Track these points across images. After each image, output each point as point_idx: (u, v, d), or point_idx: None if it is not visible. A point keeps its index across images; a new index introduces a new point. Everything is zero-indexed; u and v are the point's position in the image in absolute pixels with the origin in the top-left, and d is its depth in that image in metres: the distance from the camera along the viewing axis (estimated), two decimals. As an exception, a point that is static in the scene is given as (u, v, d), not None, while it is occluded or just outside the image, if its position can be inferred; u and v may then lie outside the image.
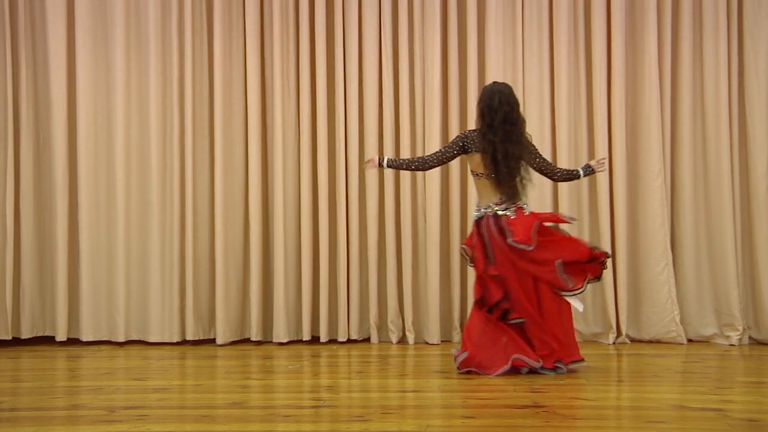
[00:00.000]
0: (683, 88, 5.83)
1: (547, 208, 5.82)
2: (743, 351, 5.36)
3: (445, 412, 3.22)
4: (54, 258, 5.94)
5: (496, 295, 4.23)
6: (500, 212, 4.35)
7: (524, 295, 4.22)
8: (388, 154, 5.91)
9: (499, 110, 4.34)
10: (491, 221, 4.33)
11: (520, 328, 4.24)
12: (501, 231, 4.29)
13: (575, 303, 4.28)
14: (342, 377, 4.37)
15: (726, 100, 5.73)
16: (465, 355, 4.23)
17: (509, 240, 4.24)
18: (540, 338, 4.22)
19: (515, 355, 4.15)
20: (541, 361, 4.17)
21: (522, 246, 4.22)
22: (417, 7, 5.90)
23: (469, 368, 4.20)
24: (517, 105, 4.44)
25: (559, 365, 4.20)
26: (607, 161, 4.95)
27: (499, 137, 4.33)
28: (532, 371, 4.14)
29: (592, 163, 4.70)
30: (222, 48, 5.95)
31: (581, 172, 4.61)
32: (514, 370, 4.15)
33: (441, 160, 4.52)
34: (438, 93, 5.86)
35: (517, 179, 4.40)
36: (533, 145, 4.54)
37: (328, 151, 5.95)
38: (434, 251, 5.76)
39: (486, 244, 4.32)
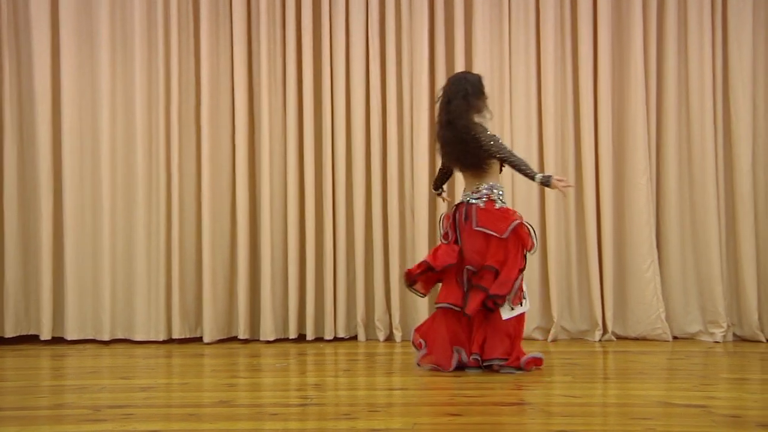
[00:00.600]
0: (668, 84, 5.87)
1: (533, 206, 5.85)
2: (727, 348, 5.40)
3: (432, 410, 3.22)
4: (38, 256, 5.91)
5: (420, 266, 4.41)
6: (472, 201, 4.38)
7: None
8: (376, 149, 5.91)
9: (440, 101, 4.46)
10: (463, 208, 4.39)
11: (462, 322, 4.31)
12: (467, 218, 4.36)
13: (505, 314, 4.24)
14: (329, 375, 4.36)
15: (711, 96, 5.77)
16: (424, 352, 4.35)
17: (474, 226, 4.30)
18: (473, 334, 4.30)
19: (455, 347, 4.27)
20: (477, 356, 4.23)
21: (491, 232, 4.25)
22: (404, 2, 5.91)
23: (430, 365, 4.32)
24: (457, 92, 4.36)
25: (495, 363, 4.18)
26: (571, 190, 4.70)
27: (440, 126, 4.44)
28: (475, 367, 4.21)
29: (556, 179, 4.25)
30: (209, 44, 5.93)
31: (538, 178, 4.22)
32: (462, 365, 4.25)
33: (442, 171, 4.80)
34: (425, 89, 5.88)
35: (472, 164, 4.36)
36: (479, 131, 4.31)
37: (314, 147, 5.95)
38: (422, 248, 5.76)
39: (456, 229, 4.41)
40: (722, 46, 5.83)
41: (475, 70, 5.84)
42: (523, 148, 5.87)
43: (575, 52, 5.93)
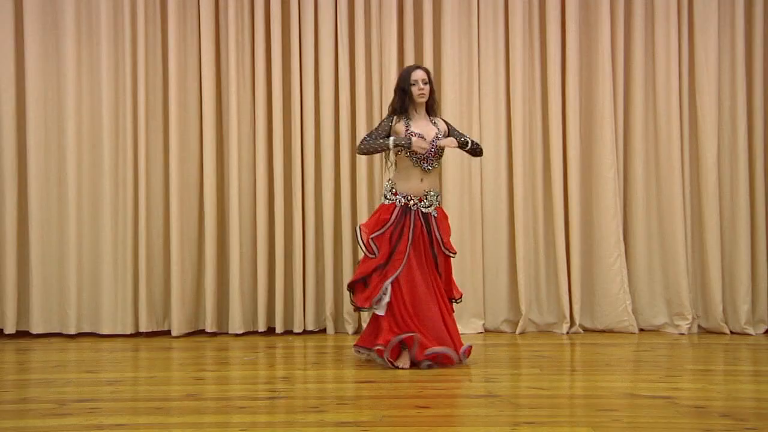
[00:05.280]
0: (635, 80, 5.93)
1: (501, 199, 5.88)
2: (692, 340, 5.47)
3: (401, 402, 3.22)
4: (3, 249, 5.81)
5: None
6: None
7: None
8: (344, 143, 5.89)
9: None
10: None
11: None
12: None
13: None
14: (297, 368, 4.35)
15: (677, 92, 5.84)
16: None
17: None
18: None
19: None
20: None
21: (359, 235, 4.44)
22: (374, -3, 5.91)
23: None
24: (396, 86, 4.51)
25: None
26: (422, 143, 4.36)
27: None
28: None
29: (414, 141, 4.30)
30: (176, 35, 5.86)
31: (390, 143, 4.33)
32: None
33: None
34: (394, 83, 5.85)
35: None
36: (380, 125, 4.49)
37: (283, 140, 5.92)
38: (390, 242, 5.74)
39: None
40: (688, 43, 5.90)
41: (444, 66, 5.87)
42: (491, 143, 5.89)
43: (544, 47, 5.97)
